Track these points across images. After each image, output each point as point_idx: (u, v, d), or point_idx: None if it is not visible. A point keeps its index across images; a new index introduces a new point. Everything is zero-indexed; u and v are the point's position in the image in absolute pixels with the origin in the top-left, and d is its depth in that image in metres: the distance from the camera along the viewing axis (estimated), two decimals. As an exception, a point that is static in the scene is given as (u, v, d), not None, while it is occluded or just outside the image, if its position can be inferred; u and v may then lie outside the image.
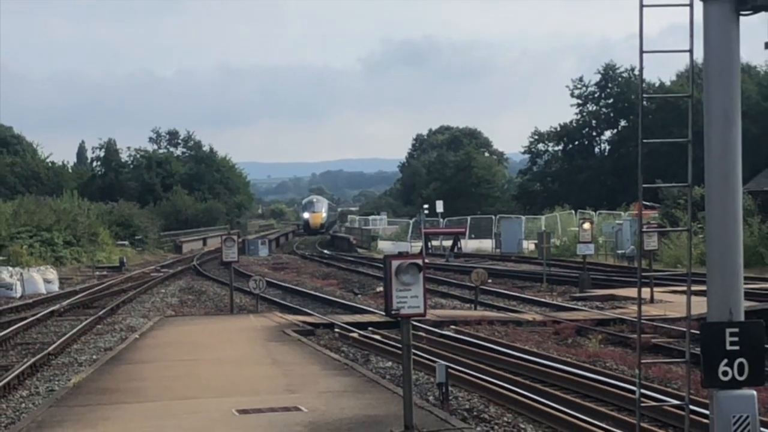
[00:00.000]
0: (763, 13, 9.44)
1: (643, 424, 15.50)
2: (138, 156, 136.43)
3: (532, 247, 77.30)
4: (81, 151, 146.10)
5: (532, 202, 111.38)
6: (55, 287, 55.46)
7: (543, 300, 44.21)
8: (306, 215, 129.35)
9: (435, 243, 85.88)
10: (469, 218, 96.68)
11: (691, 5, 9.32)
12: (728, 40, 9.20)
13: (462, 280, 52.59)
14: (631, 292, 42.55)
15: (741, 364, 9.05)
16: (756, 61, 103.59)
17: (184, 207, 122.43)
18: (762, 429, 10.11)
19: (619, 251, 68.04)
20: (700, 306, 9.69)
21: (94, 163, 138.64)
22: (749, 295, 32.19)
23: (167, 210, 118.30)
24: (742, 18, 9.27)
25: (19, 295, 52.29)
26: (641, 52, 9.86)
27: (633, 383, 20.78)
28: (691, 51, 9.52)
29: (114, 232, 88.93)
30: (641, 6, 9.53)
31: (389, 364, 27.63)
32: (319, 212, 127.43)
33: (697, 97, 9.55)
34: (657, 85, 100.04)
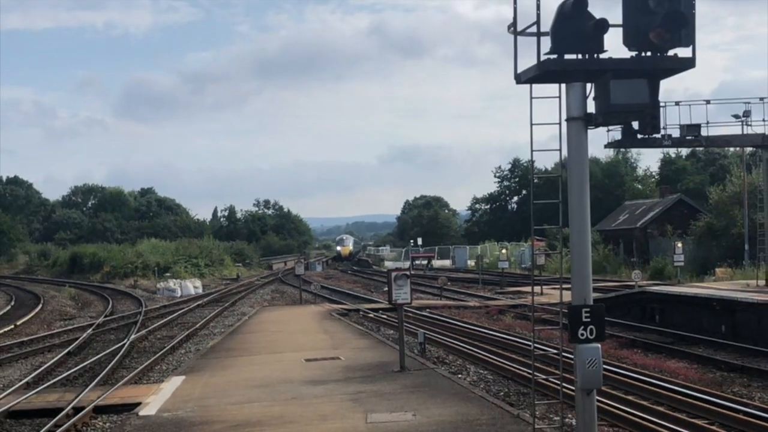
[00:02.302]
0: (602, 128, 9.46)
1: (536, 364, 15.38)
2: (247, 215, 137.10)
3: (472, 263, 77.14)
4: (215, 213, 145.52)
5: (473, 238, 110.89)
6: (200, 291, 55.49)
7: (479, 294, 44.17)
8: (339, 248, 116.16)
9: (417, 262, 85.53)
10: (436, 248, 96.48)
11: (560, 123, 9.34)
12: (581, 143, 9.20)
13: (432, 283, 52.45)
14: (529, 288, 42.39)
15: (591, 329, 9.00)
16: (599, 154, 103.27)
17: (273, 243, 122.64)
18: (603, 366, 10.01)
19: (523, 265, 67.82)
20: (567, 296, 9.68)
21: (222, 219, 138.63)
22: (595, 290, 31.99)
23: (264, 245, 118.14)
24: (590, 130, 9.28)
25: (179, 295, 52.40)
26: (531, 150, 9.87)
27: (530, 341, 20.74)
28: (560, 149, 9.52)
29: (233, 258, 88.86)
30: (531, 125, 9.55)
31: (391, 332, 27.57)
32: (348, 246, 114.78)
33: (565, 176, 9.54)
34: (543, 169, 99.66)
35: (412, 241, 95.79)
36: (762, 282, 29.24)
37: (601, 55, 8.76)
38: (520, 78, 9.24)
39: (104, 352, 24.26)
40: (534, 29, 8.89)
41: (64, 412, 14.83)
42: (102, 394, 16.50)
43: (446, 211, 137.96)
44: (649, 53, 8.74)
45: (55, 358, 23.25)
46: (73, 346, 25.91)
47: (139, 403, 15.30)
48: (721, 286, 30.90)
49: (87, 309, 43.42)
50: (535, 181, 13.09)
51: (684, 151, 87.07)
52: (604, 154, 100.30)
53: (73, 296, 51.24)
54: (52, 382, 19.21)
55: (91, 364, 22.05)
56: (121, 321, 35.05)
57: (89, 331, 30.03)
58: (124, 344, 25.30)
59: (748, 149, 43.49)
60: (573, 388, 9.47)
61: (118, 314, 38.44)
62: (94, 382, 18.21)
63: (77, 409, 15.17)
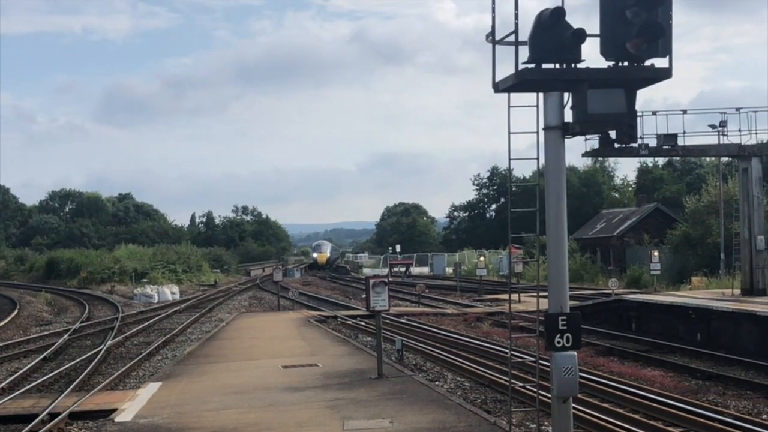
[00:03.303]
0: (580, 137, 9.52)
1: (513, 372, 15.42)
2: (225, 221, 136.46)
3: (450, 270, 77.18)
4: (192, 218, 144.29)
5: (451, 245, 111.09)
6: (177, 297, 55.19)
7: (457, 301, 44.21)
8: (315, 255, 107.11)
9: (395, 269, 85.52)
10: (415, 254, 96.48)
11: (537, 132, 9.38)
12: (558, 152, 9.24)
13: (411, 290, 52.42)
14: (507, 296, 42.46)
15: (567, 337, 9.03)
16: (577, 163, 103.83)
17: (252, 250, 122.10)
18: (579, 374, 10.02)
19: (501, 273, 67.95)
20: (544, 304, 9.71)
21: (200, 225, 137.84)
22: (572, 298, 32.20)
23: (242, 251, 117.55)
24: (567, 139, 9.32)
25: (156, 301, 52.07)
26: (509, 159, 9.92)
27: (507, 348, 20.76)
28: (537, 158, 9.57)
29: (211, 264, 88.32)
30: (509, 133, 9.60)
31: (369, 338, 27.55)
32: (325, 253, 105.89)
33: (542, 185, 9.59)
34: (521, 177, 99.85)
35: (390, 248, 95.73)
36: (737, 291, 29.47)
37: (579, 65, 8.82)
38: (498, 87, 9.27)
39: (80, 358, 24.07)
40: (512, 38, 8.94)
41: (39, 418, 14.71)
42: (78, 400, 16.37)
43: (425, 218, 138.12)
44: (626, 63, 8.81)
45: (31, 364, 23.05)
46: (49, 351, 25.70)
47: (115, 410, 15.20)
48: (696, 294, 31.12)
49: (63, 314, 43.09)
50: (513, 189, 13.14)
51: (661, 161, 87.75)
52: (581, 163, 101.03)
53: (49, 301, 50.83)
54: (27, 387, 19.04)
55: (67, 370, 21.88)
56: (97, 327, 34.78)
57: (65, 336, 29.79)
58: (101, 350, 25.10)
59: (724, 159, 43.83)
60: (549, 395, 9.51)
61: (94, 320, 38.15)
62: (69, 388, 18.07)
63: (53, 415, 15.05)
